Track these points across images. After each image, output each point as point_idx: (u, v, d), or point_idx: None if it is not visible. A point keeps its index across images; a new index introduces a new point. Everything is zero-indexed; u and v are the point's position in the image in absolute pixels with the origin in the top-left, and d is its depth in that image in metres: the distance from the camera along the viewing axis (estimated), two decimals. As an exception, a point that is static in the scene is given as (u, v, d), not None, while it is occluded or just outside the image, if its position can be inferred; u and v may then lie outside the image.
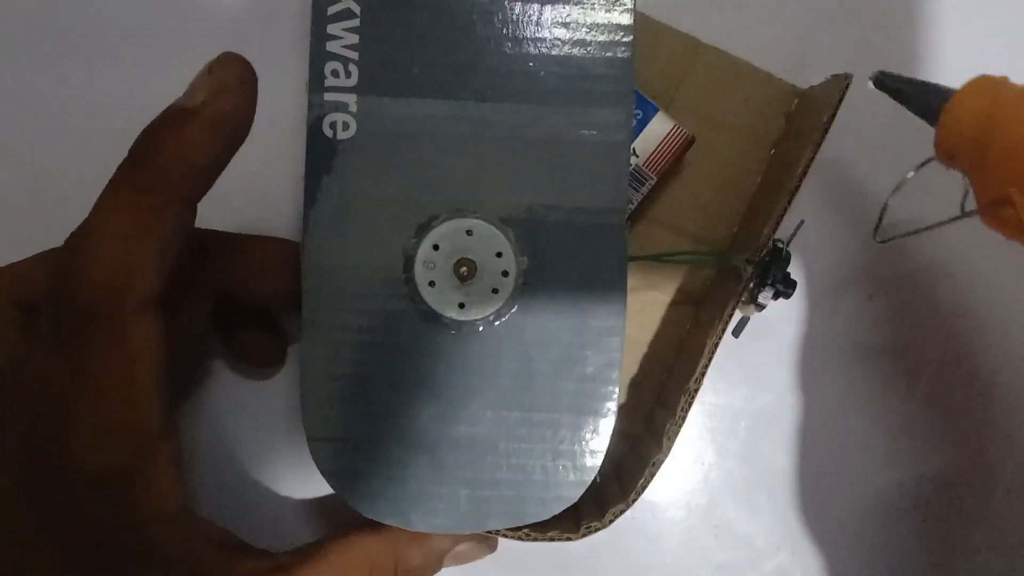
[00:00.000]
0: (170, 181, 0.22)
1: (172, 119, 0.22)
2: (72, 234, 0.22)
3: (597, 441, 0.25)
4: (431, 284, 0.25)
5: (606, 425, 0.25)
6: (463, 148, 0.25)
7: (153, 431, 0.22)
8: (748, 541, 0.34)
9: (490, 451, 0.25)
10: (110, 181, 0.22)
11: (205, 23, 0.34)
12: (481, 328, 0.25)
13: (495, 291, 0.25)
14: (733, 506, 0.34)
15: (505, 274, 0.25)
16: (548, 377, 0.25)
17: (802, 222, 0.29)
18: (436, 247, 0.25)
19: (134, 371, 0.22)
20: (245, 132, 0.23)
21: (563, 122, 0.25)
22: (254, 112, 0.23)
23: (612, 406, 0.25)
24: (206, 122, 0.22)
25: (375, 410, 0.25)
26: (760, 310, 0.29)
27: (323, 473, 0.25)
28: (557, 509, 0.25)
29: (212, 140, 0.22)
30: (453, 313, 0.25)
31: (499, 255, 0.25)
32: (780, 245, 0.28)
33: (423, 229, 0.25)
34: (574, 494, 0.25)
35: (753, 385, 0.34)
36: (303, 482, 0.33)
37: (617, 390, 0.25)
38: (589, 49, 0.25)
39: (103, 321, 0.21)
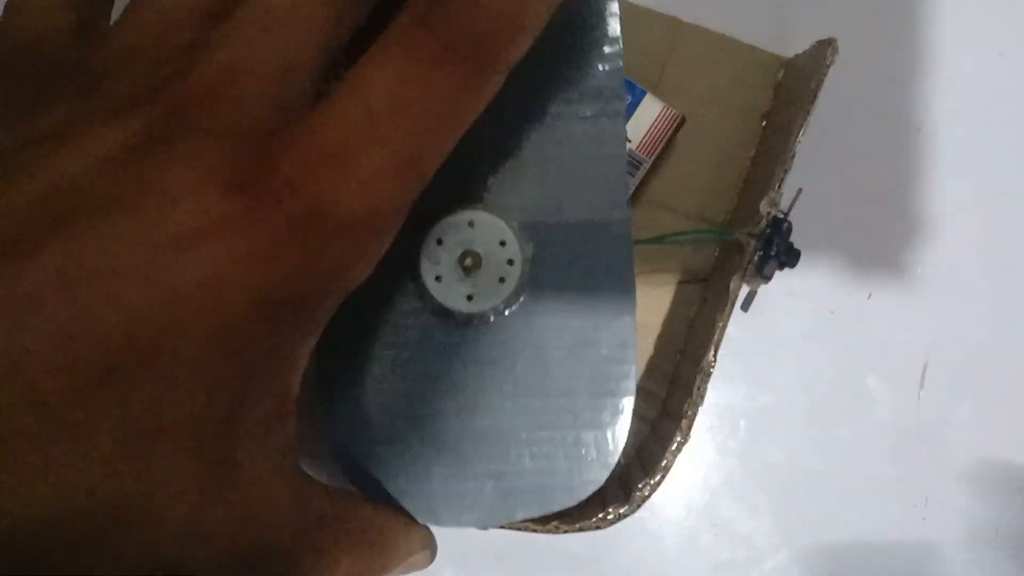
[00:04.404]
0: None
1: None
2: None
3: (618, 422, 0.25)
4: (437, 279, 0.25)
5: (626, 404, 0.25)
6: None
7: None
8: (748, 541, 0.34)
9: (513, 441, 0.25)
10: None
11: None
12: (492, 319, 0.25)
13: (502, 280, 0.25)
14: (733, 506, 0.34)
15: (511, 263, 0.25)
16: (563, 362, 0.25)
17: (800, 191, 0.29)
18: (440, 241, 0.25)
19: None
20: None
21: (556, 111, 0.25)
22: None
23: (630, 385, 0.25)
24: None
25: (394, 410, 0.25)
26: (767, 282, 0.29)
27: (347, 476, 0.24)
28: (584, 494, 0.25)
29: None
30: (462, 306, 0.25)
31: (503, 244, 0.25)
32: (781, 215, 0.28)
33: (424, 224, 0.25)
34: (600, 476, 0.25)
35: (753, 385, 0.34)
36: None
37: (633, 369, 0.25)
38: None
39: None
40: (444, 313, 0.25)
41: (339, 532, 0.21)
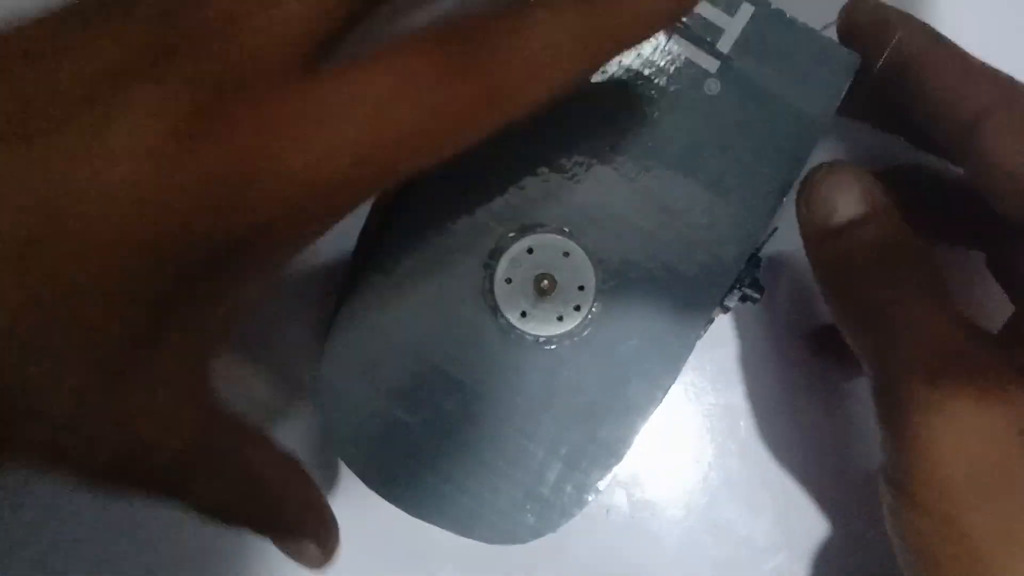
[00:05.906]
0: None
1: None
2: None
3: (572, 503, 0.25)
4: (508, 281, 0.25)
5: (587, 493, 0.25)
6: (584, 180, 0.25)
7: None
8: (748, 541, 0.34)
9: (475, 456, 0.25)
10: None
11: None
12: (527, 342, 0.25)
13: (560, 319, 0.25)
14: (733, 506, 0.34)
15: (577, 308, 0.25)
16: (559, 421, 0.25)
17: (775, 229, 0.28)
18: (530, 251, 0.25)
19: None
20: None
21: (709, 219, 0.25)
22: None
23: (603, 483, 0.25)
24: None
25: (391, 371, 0.25)
26: (725, 312, 0.29)
27: (318, 409, 0.25)
28: (503, 543, 0.25)
29: None
30: (512, 317, 0.25)
31: (581, 288, 0.25)
32: (753, 250, 0.28)
33: (526, 230, 0.25)
34: (525, 538, 0.25)
35: (753, 385, 0.34)
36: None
37: (615, 466, 0.25)
38: None
39: None
40: (492, 313, 0.25)
41: (223, 472, 0.21)
